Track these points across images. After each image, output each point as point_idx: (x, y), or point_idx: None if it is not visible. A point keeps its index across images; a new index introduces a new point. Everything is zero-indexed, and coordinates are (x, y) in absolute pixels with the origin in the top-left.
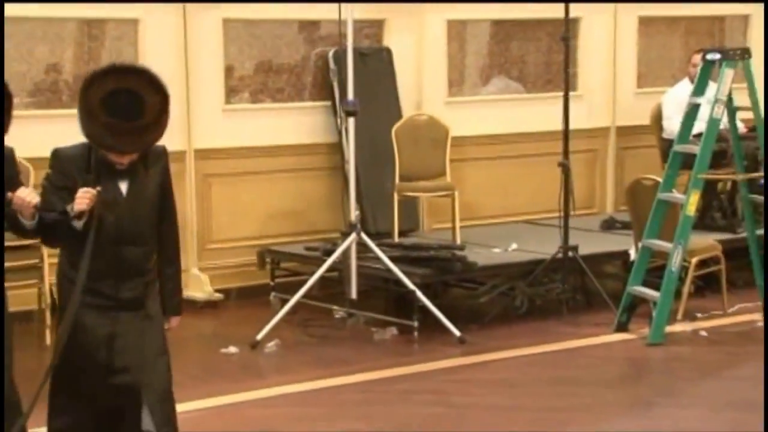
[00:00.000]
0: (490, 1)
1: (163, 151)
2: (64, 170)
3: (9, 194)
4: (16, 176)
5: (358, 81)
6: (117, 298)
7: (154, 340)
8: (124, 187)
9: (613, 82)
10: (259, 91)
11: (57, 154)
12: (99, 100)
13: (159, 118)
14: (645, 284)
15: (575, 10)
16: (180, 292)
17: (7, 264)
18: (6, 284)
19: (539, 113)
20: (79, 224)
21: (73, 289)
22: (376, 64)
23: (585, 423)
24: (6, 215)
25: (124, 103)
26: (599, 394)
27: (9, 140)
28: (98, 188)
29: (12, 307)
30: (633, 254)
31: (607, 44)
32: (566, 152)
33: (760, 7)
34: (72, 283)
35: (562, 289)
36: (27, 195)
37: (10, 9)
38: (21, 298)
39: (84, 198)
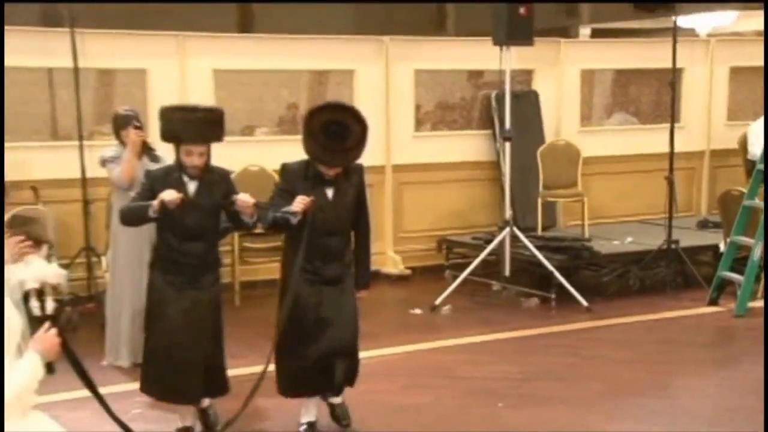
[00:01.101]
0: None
1: (361, 167)
2: (289, 179)
3: (233, 197)
4: (233, 187)
5: (512, 115)
6: (323, 275)
7: (348, 309)
8: (330, 192)
9: (708, 116)
10: (438, 123)
11: (285, 166)
12: (318, 127)
13: (360, 143)
14: (732, 270)
15: (680, 62)
16: (369, 272)
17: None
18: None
19: (650, 140)
20: (294, 220)
21: (293, 268)
22: (527, 103)
23: (685, 373)
24: (229, 213)
25: (336, 130)
26: (696, 352)
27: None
28: (312, 197)
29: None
30: (722, 247)
31: (704, 88)
32: (671, 169)
33: None
34: (292, 264)
35: (666, 273)
36: (247, 198)
37: (267, 63)
38: (270, 269)
39: (301, 203)
